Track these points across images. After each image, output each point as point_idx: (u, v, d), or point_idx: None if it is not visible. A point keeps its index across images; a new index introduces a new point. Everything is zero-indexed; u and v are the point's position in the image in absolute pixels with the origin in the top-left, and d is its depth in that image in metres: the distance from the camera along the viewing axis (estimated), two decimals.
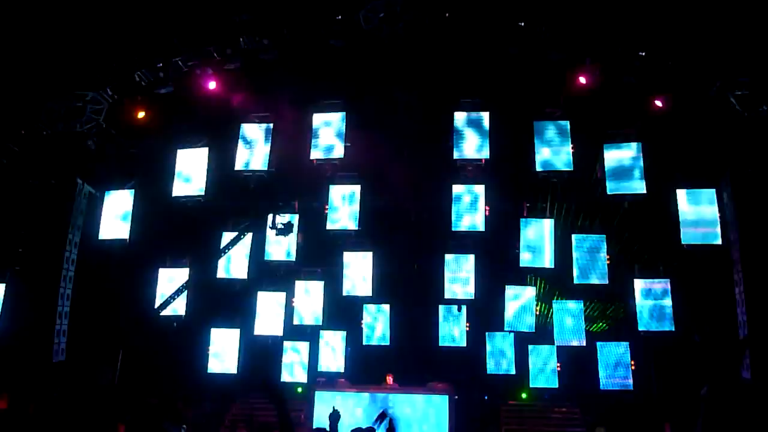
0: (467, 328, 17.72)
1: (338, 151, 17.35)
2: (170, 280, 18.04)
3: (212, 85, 17.23)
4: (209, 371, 18.22)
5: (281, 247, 17.77)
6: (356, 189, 17.67)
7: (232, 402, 18.30)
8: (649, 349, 16.91)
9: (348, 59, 16.78)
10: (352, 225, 17.47)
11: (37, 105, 16.73)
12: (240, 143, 17.68)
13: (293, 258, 17.77)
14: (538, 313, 17.26)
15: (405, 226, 18.13)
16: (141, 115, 17.60)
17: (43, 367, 16.54)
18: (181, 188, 17.67)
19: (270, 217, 16.32)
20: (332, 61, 16.80)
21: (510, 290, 17.45)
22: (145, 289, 17.95)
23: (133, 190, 18.15)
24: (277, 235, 16.43)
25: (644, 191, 16.35)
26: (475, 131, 17.07)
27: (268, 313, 18.24)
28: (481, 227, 16.98)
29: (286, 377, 18.35)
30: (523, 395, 17.84)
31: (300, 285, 18.41)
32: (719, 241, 16.07)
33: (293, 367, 18.57)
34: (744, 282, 15.62)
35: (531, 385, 17.41)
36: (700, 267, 16.29)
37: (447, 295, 17.42)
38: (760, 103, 14.88)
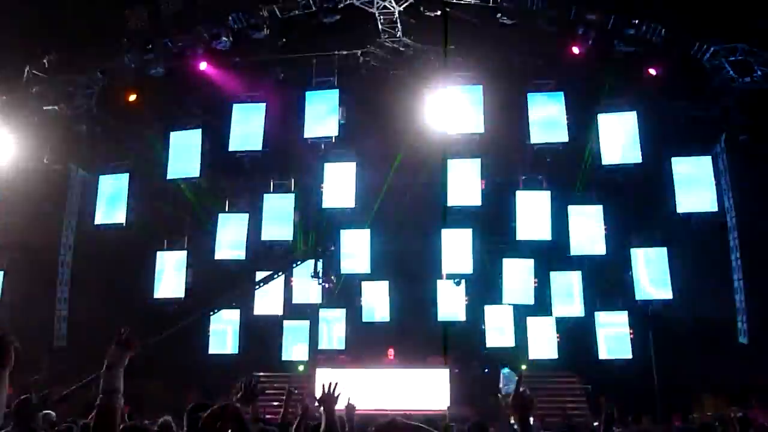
0: (466, 302, 17.75)
1: (332, 129, 17.41)
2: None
3: (203, 65, 17.25)
4: (210, 352, 18.18)
5: (278, 228, 17.84)
6: (352, 166, 17.70)
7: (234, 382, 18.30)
8: (647, 317, 17.00)
9: (340, 36, 16.82)
10: (348, 203, 17.50)
11: (28, 90, 16.59)
12: (233, 123, 17.73)
13: (290, 237, 17.83)
14: (536, 284, 17.29)
15: (401, 202, 18.12)
16: (132, 97, 17.67)
17: (44, 353, 16.63)
18: (175, 170, 17.76)
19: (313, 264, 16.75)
20: (324, 38, 16.82)
21: (508, 263, 17.52)
22: (143, 272, 18.00)
23: (127, 174, 18.18)
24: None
25: (640, 160, 16.50)
26: (470, 105, 17.13)
27: (268, 293, 18.17)
28: (478, 201, 17.15)
29: (286, 356, 18.32)
30: (523, 367, 17.86)
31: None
32: (715, 208, 16.30)
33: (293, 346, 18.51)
34: (740, 247, 15.94)
35: (530, 357, 17.42)
36: (697, 234, 16.45)
37: (445, 270, 17.52)
38: (754, 69, 14.86)
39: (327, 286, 17.25)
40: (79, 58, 16.68)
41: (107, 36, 16.52)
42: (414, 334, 17.97)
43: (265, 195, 18.15)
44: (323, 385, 4.26)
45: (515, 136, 17.22)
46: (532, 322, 17.61)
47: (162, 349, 17.08)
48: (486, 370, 17.81)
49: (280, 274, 17.62)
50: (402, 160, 17.41)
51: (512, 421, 3.35)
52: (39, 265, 17.55)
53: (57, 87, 16.86)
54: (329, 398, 4.20)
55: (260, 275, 17.85)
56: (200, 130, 17.88)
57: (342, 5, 15.46)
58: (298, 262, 17.54)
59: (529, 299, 17.35)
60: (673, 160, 16.59)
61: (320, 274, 16.59)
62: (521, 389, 3.30)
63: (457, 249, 17.57)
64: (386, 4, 15.43)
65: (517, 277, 17.47)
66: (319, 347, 18.20)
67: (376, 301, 18.29)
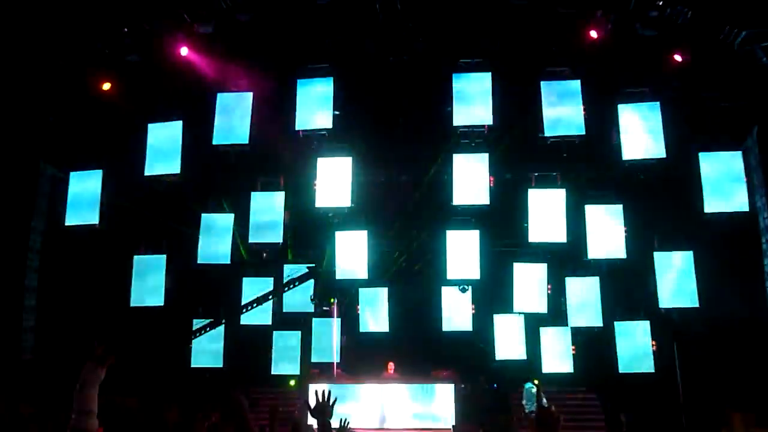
0: (473, 311, 16.80)
1: (326, 121, 16.55)
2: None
3: (184, 51, 16.38)
4: (192, 365, 17.19)
5: (267, 230, 16.89)
6: (347, 162, 16.73)
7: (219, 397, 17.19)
8: (671, 327, 16.07)
9: (335, 18, 15.93)
10: (344, 202, 16.54)
11: None
12: (217, 115, 16.80)
13: (280, 240, 16.82)
14: (550, 291, 16.36)
15: (402, 201, 17.36)
16: (106, 86, 16.71)
17: (10, 367, 15.64)
18: (154, 166, 16.80)
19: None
20: (317, 21, 15.95)
21: (519, 268, 16.63)
22: (118, 278, 16.93)
23: (101, 171, 17.09)
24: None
25: (664, 155, 15.62)
26: (476, 94, 16.24)
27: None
28: (486, 200, 16.23)
29: (276, 369, 17.35)
30: (535, 381, 16.85)
31: (289, 269, 17.37)
32: (746, 208, 15.42)
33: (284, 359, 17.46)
34: None
35: (543, 371, 16.46)
36: (726, 236, 15.51)
37: (450, 276, 16.61)
38: None
39: (327, 309, 16.40)
40: (47, 42, 15.47)
41: (78, 19, 15.34)
42: (416, 346, 17.07)
43: (253, 193, 17.09)
44: (317, 394, 4.05)
45: (527, 129, 16.38)
46: (545, 332, 16.69)
47: (139, 362, 16.09)
48: (495, 386, 16.86)
49: (271, 297, 16.91)
50: (403, 156, 16.43)
51: None
52: (3, 271, 16.30)
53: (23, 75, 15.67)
54: (324, 409, 4.02)
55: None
56: (181, 122, 16.83)
57: None
58: (296, 283, 16.76)
59: (542, 307, 16.42)
60: (700, 155, 15.64)
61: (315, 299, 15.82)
62: (546, 404, 3.05)
63: (463, 252, 16.56)
64: None
65: (529, 283, 16.52)
66: (312, 360, 17.11)
67: (375, 310, 17.30)
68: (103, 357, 3.03)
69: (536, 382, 16.20)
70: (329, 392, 4.14)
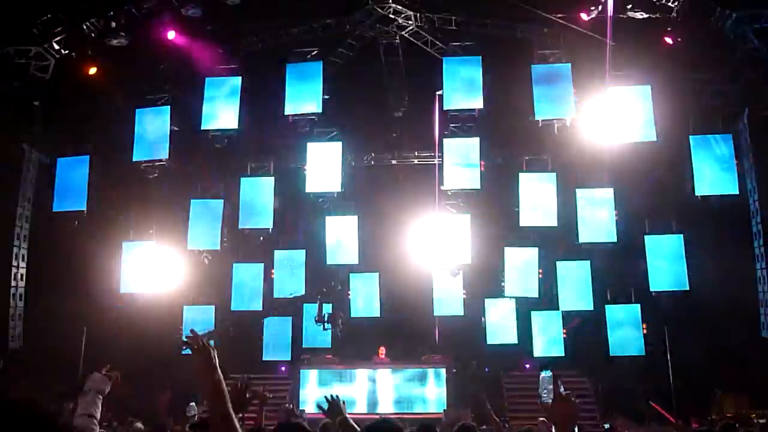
0: (464, 295, 16.76)
1: (315, 105, 16.42)
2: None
3: (171, 34, 16.13)
4: (183, 352, 16.82)
5: (257, 215, 16.90)
6: (337, 146, 16.67)
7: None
8: (661, 310, 16.08)
9: (324, 1, 16.06)
10: (334, 186, 16.46)
11: None
12: (206, 99, 16.68)
13: (270, 225, 16.82)
14: (541, 276, 16.32)
15: (392, 185, 17.25)
16: (93, 71, 16.37)
17: None
18: (142, 152, 16.65)
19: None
20: (306, 4, 15.94)
21: (510, 252, 16.59)
22: (107, 265, 16.81)
23: (88, 156, 16.88)
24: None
25: (655, 138, 15.54)
26: (467, 78, 16.15)
27: (246, 286, 17.15)
28: (477, 184, 16.23)
29: (267, 355, 17.29)
30: (527, 365, 16.89)
31: (279, 255, 17.32)
32: (736, 191, 15.42)
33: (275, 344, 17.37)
34: (763, 233, 15.06)
35: (535, 355, 16.50)
36: (716, 219, 15.57)
37: (441, 260, 16.53)
38: None
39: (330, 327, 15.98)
40: (31, 26, 15.22)
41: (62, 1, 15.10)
42: (407, 331, 17.15)
43: (242, 179, 17.10)
44: (327, 398, 4.20)
45: (518, 113, 16.22)
46: (536, 316, 16.65)
47: (131, 348, 15.98)
48: (486, 370, 16.83)
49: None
50: (394, 140, 16.31)
51: None
52: None
53: (7, 59, 15.40)
54: (338, 408, 4.06)
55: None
56: (169, 107, 16.71)
57: None
58: (298, 294, 16.59)
59: (534, 292, 16.42)
60: (691, 138, 15.64)
61: (326, 318, 15.24)
62: (563, 391, 2.98)
63: (454, 237, 16.53)
64: None
65: (521, 267, 16.52)
66: (304, 346, 17.14)
67: (366, 295, 17.27)
68: (110, 376, 3.15)
69: (528, 366, 16.27)
70: (336, 395, 4.30)
